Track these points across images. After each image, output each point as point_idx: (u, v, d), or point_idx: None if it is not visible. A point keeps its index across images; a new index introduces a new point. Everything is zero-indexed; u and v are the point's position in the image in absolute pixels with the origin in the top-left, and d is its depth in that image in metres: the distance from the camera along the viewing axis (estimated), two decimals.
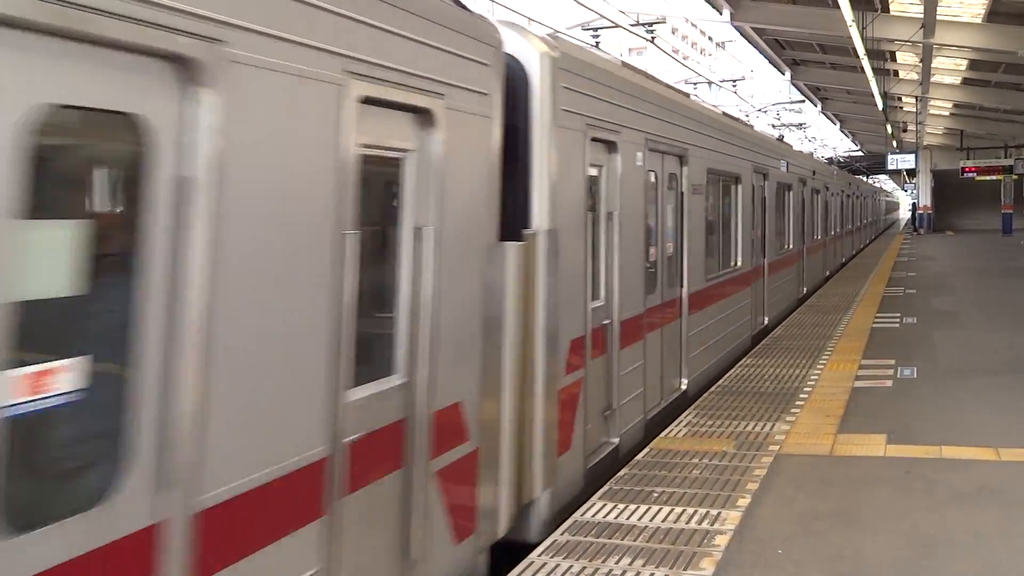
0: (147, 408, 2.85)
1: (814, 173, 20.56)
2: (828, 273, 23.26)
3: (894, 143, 46.06)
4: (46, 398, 2.57)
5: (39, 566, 2.50)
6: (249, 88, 3.21)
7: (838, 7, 16.34)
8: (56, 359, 2.60)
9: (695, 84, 29.49)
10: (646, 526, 5.55)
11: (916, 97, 32.89)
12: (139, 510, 2.81)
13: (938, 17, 19.36)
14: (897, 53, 26.46)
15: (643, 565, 4.97)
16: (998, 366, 10.64)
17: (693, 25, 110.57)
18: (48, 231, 2.61)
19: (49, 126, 2.53)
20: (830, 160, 45.70)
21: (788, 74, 33.07)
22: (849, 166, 53.99)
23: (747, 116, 33.45)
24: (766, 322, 14.34)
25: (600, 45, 17.94)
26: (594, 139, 6.69)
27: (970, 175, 43.95)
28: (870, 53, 20.74)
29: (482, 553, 5.12)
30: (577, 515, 5.78)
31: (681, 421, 8.16)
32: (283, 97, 3.40)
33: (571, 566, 4.97)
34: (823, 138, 59.39)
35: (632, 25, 19.38)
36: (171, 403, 2.91)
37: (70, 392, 2.63)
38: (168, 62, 2.89)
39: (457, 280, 4.80)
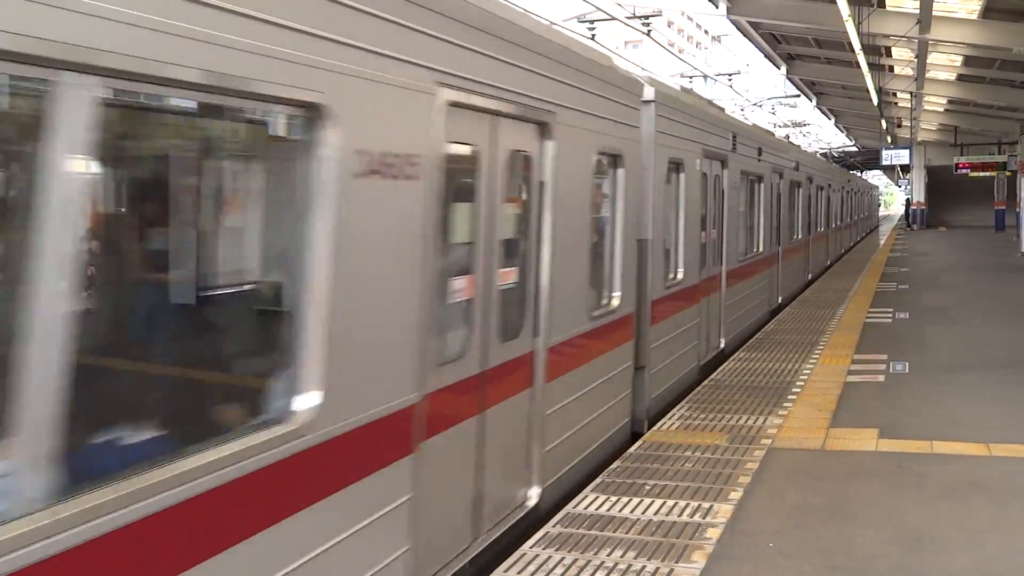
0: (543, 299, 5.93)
1: (858, 183, 27.13)
2: (843, 251, 29.93)
3: (888, 138, 46.04)
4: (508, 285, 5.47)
5: (506, 357, 5.47)
6: (563, 136, 5.99)
7: (834, 2, 16.32)
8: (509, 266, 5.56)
9: (691, 78, 29.47)
10: (638, 519, 5.56)
11: (911, 93, 32.88)
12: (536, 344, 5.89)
13: (934, 13, 19.35)
14: (892, 48, 26.46)
15: (635, 558, 4.97)
16: (990, 361, 10.67)
17: (689, 18, 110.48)
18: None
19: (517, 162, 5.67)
20: (824, 155, 45.70)
21: (783, 68, 33.06)
22: (843, 161, 54.05)
23: (742, 110, 33.43)
24: (809, 277, 20.70)
25: (596, 37, 17.91)
26: (671, 159, 9.10)
27: (964, 171, 43.98)
28: (866, 48, 20.73)
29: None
30: (569, 507, 5.78)
31: (674, 415, 8.17)
32: (575, 141, 6.30)
33: (563, 558, 4.98)
34: (817, 132, 59.37)
35: (628, 18, 19.34)
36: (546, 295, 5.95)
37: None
38: (537, 125, 5.75)
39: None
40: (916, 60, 25.15)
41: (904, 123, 43.41)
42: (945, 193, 52.21)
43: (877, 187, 68.40)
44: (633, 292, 7.77)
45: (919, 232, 46.86)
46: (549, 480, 5.95)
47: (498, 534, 5.33)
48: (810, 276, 21.19)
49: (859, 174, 58.43)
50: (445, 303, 4.76)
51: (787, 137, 25.97)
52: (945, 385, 9.39)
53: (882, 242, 37.58)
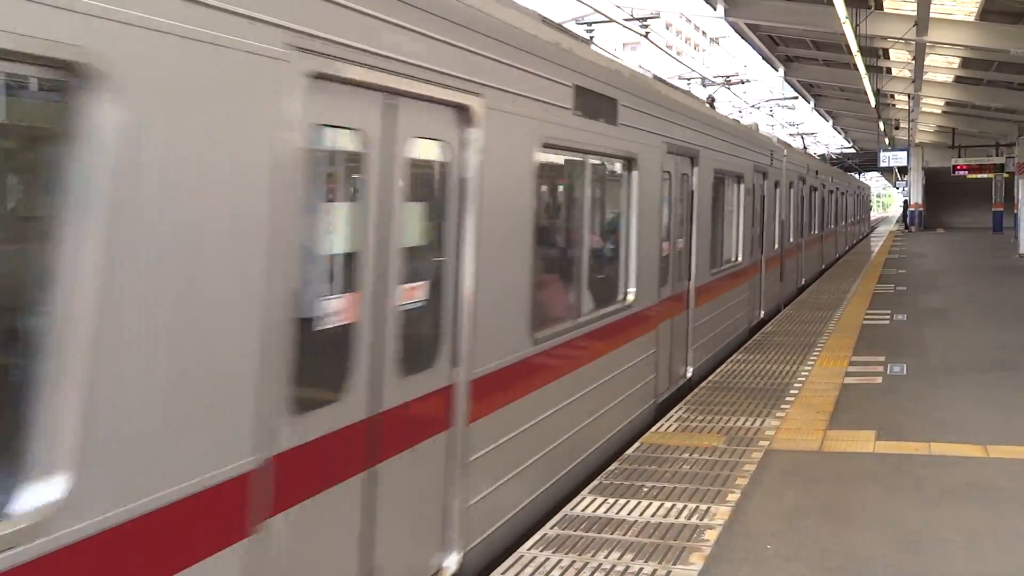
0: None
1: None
2: (848, 247, 34.08)
3: (886, 140, 46.11)
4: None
5: (679, 290, 9.41)
6: (703, 164, 10.06)
7: (832, 4, 16.34)
8: None
9: (688, 80, 29.49)
10: (636, 521, 5.56)
11: (908, 95, 32.93)
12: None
13: (931, 15, 19.38)
14: (890, 50, 26.50)
15: (632, 559, 4.97)
16: (987, 363, 10.68)
17: (687, 20, 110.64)
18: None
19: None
20: (822, 156, 45.69)
21: (781, 70, 33.10)
22: (842, 163, 54.07)
23: (740, 112, 33.46)
24: (837, 255, 27.85)
25: (594, 39, 17.93)
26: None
27: (961, 173, 44.02)
28: (863, 50, 20.76)
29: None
30: (567, 509, 5.78)
31: (671, 416, 8.18)
32: (708, 167, 10.55)
33: (560, 560, 4.97)
34: (815, 133, 59.40)
35: (626, 20, 19.36)
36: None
37: None
38: (690, 158, 9.82)
39: None
40: (914, 62, 25.20)
41: (902, 125, 43.45)
42: (943, 195, 52.30)
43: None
44: (751, 254, 13.17)
45: (917, 234, 46.91)
46: (696, 364, 9.98)
47: (674, 389, 9.26)
48: (846, 247, 29.93)
49: (857, 175, 58.18)
50: (662, 254, 8.57)
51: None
52: (943, 387, 9.39)
53: (879, 245, 37.58)
